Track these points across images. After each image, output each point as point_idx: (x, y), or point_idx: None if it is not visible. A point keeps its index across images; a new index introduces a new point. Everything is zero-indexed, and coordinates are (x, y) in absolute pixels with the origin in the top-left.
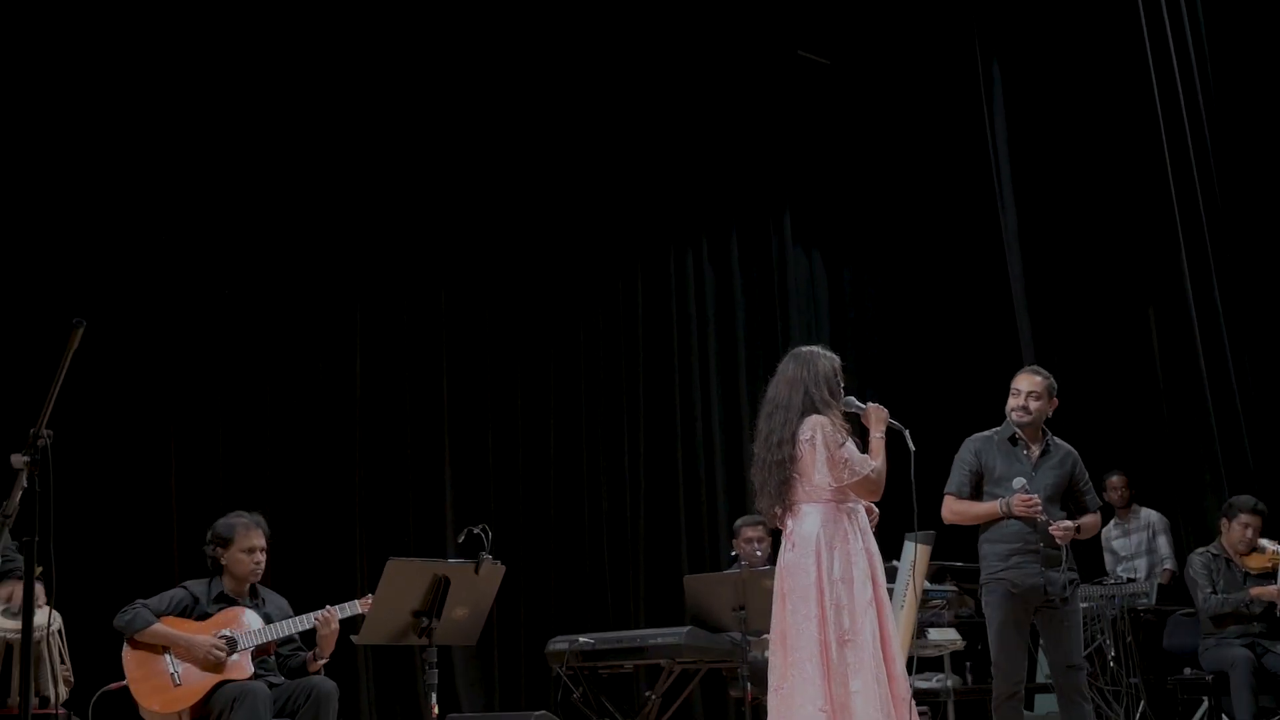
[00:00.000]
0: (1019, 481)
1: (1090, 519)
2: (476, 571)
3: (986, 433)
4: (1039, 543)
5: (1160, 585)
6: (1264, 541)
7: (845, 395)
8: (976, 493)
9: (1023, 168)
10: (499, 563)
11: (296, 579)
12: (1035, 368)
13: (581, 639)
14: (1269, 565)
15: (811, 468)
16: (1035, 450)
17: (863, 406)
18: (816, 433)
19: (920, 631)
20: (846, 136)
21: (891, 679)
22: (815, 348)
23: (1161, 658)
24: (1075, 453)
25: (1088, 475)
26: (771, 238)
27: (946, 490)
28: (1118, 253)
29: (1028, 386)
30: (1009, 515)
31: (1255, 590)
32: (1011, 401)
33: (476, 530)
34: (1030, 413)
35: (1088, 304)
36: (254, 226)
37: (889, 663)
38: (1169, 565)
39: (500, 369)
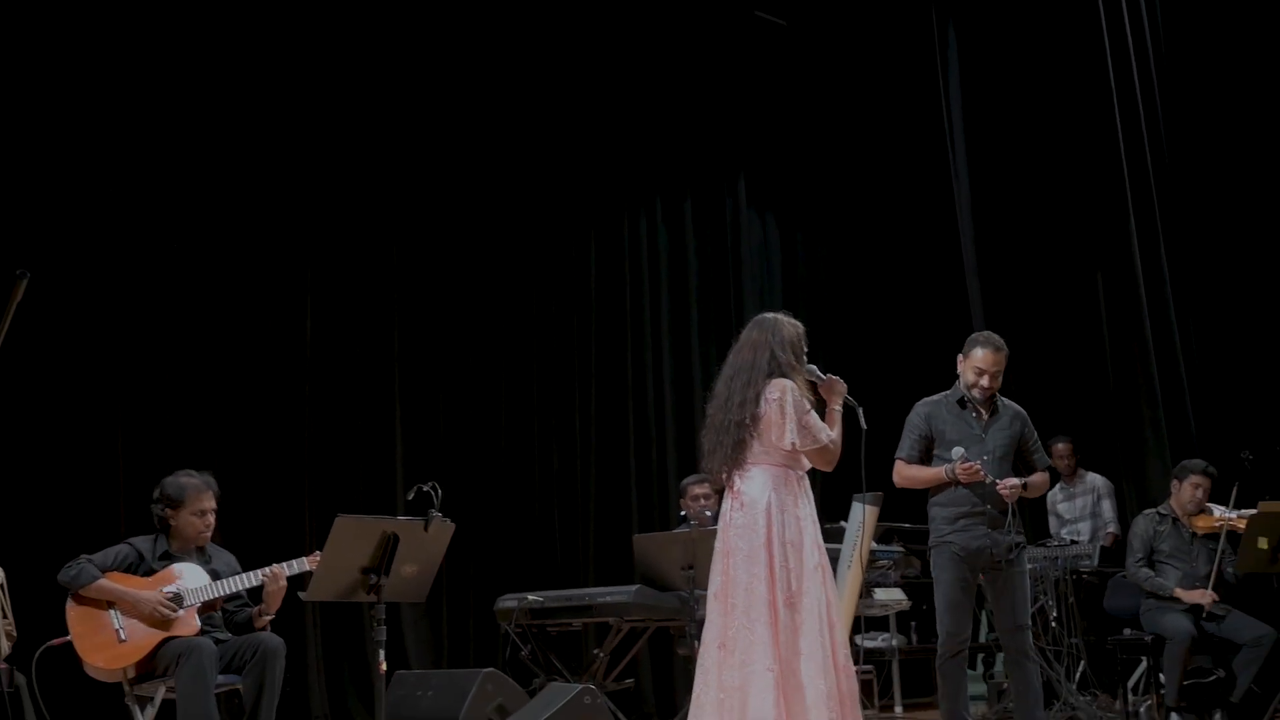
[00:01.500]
0: (958, 451)
1: (1039, 477)
2: (426, 529)
3: (936, 396)
4: (986, 506)
5: (1103, 548)
6: (1212, 505)
7: (808, 363)
8: (926, 457)
9: (976, 133)
10: (448, 520)
11: (245, 536)
12: (997, 341)
13: (530, 597)
14: (1216, 527)
15: (774, 428)
16: (984, 412)
17: (823, 377)
18: (786, 394)
19: (867, 591)
20: (802, 99)
21: (833, 645)
22: (780, 315)
23: (1102, 619)
24: (1024, 413)
25: (1036, 435)
26: (726, 200)
27: (897, 455)
28: (1068, 218)
29: (993, 366)
30: (954, 482)
31: (1179, 592)
32: (970, 377)
33: (426, 488)
34: (989, 390)
35: (1037, 269)
36: (203, 182)
37: (830, 629)
38: (1112, 529)
39: (452, 328)
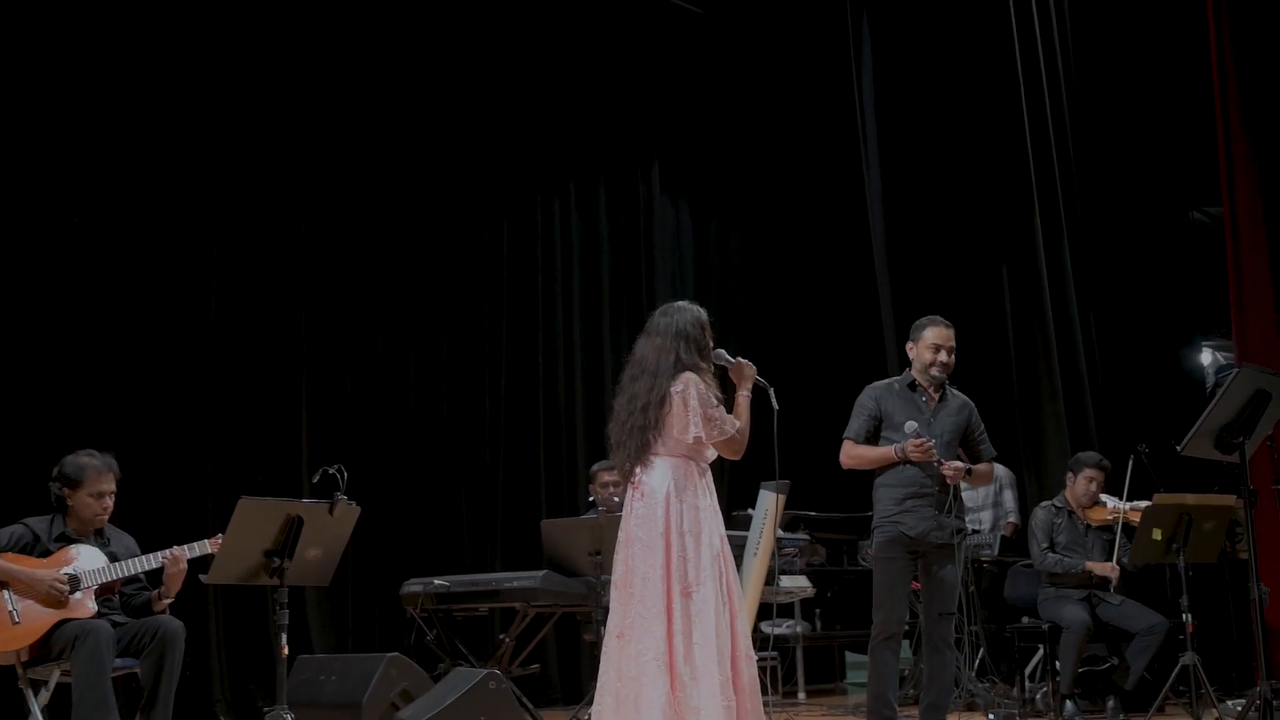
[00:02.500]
0: (910, 425)
1: (984, 467)
2: (331, 512)
3: (886, 381)
4: (934, 488)
5: (1003, 537)
6: (1105, 497)
7: (715, 348)
8: (874, 437)
9: (888, 124)
10: (354, 504)
11: (145, 517)
12: (944, 320)
13: (436, 581)
14: (1110, 519)
15: (678, 422)
16: (934, 397)
17: (732, 360)
18: (690, 388)
19: (773, 579)
20: (717, 87)
21: (734, 635)
22: (683, 303)
23: (1002, 607)
24: (972, 404)
25: (983, 427)
26: (640, 186)
27: (846, 434)
28: (975, 211)
29: (948, 341)
30: (904, 460)
31: (1090, 565)
32: (927, 356)
33: (332, 470)
34: (948, 366)
35: (945, 261)
36: (108, 154)
37: (732, 618)
38: (1013, 519)
39: (360, 308)
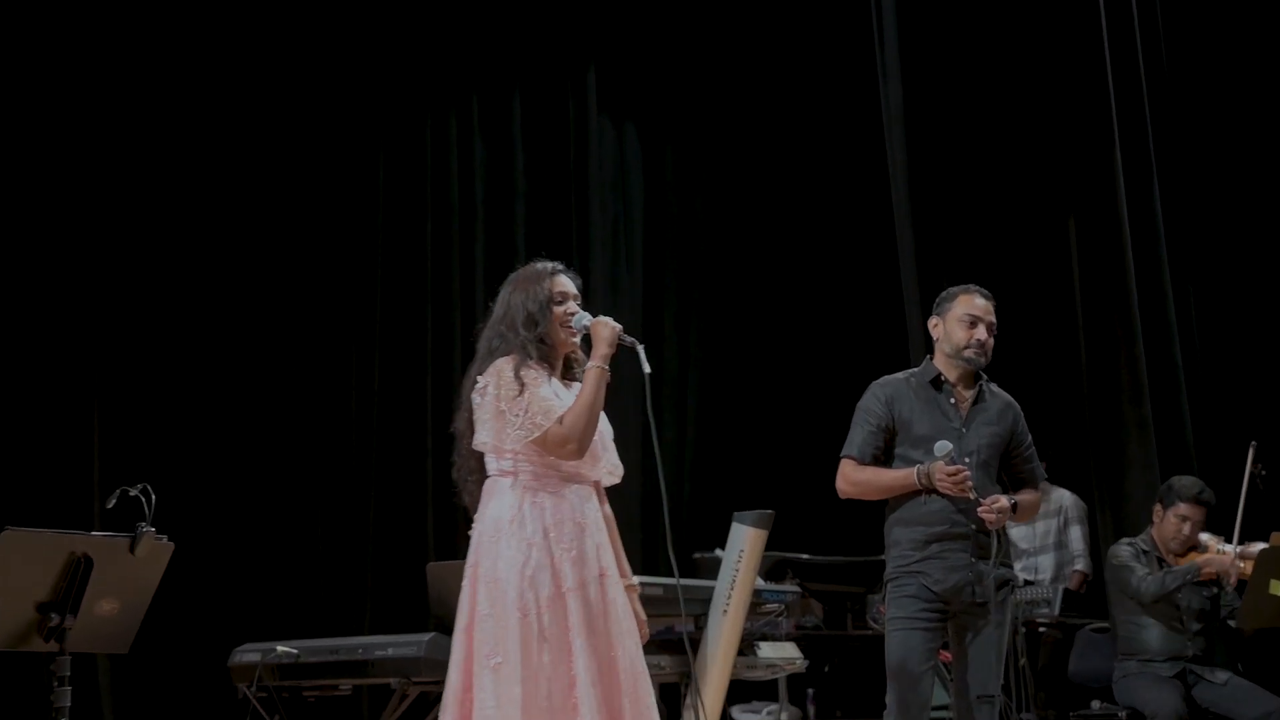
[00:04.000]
0: (943, 446)
1: (1030, 497)
2: (132, 550)
3: (900, 375)
4: (969, 526)
5: (1067, 591)
6: (1206, 538)
7: (576, 312)
8: (885, 455)
9: (912, 24)
10: (165, 538)
11: None
12: (980, 288)
13: (280, 648)
14: (1214, 572)
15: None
16: (966, 398)
17: (590, 320)
18: (490, 381)
19: (748, 646)
20: None
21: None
22: (531, 265)
23: (1065, 688)
24: (1017, 406)
25: (1030, 437)
26: (569, 101)
27: (845, 453)
28: (1030, 144)
29: (988, 314)
30: (929, 489)
31: (1203, 559)
32: (960, 333)
33: (133, 492)
34: (987, 347)
35: (986, 208)
36: None
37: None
38: (1081, 565)
39: (175, 275)
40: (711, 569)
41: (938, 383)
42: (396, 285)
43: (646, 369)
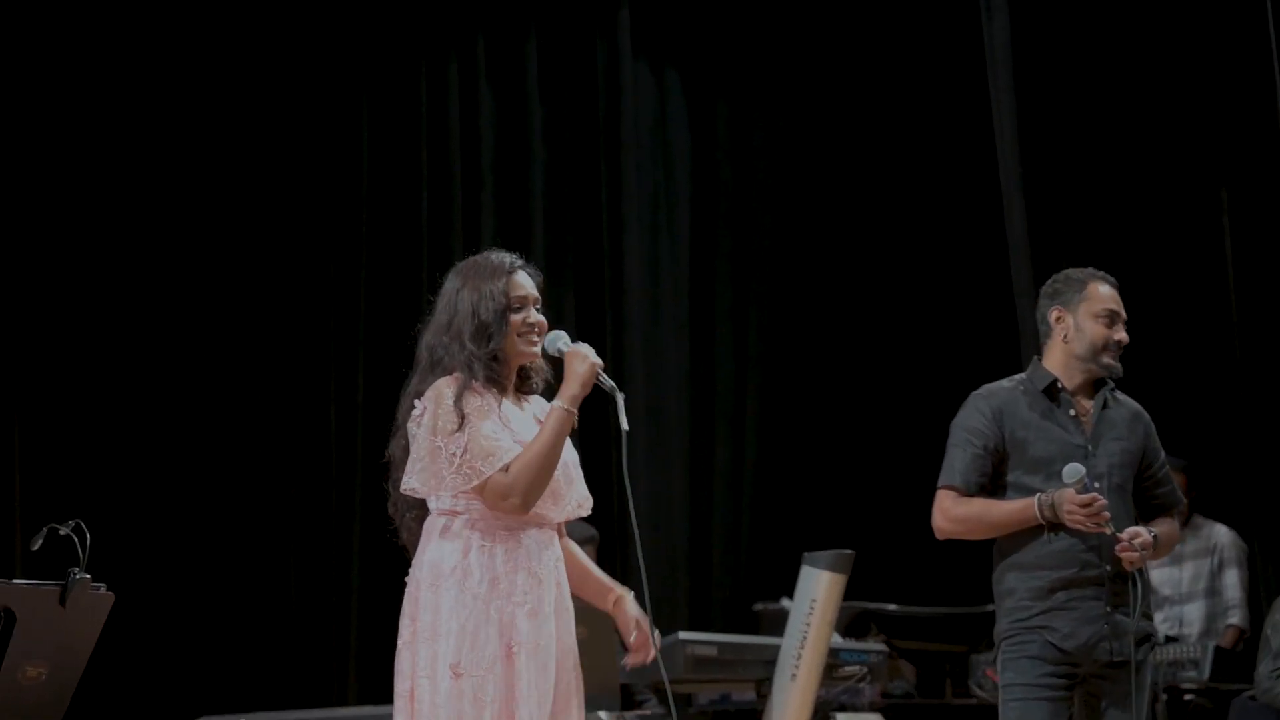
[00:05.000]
0: (1074, 470)
1: (1169, 527)
2: (62, 601)
3: (1006, 383)
4: (1104, 568)
5: (1218, 649)
6: None
7: (551, 330)
8: (994, 484)
9: None
10: (103, 587)
11: None
12: (1107, 274)
13: None
14: None
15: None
16: (1089, 409)
17: (566, 348)
18: (428, 408)
19: (824, 719)
20: None
21: None
22: (483, 255)
23: None
24: (1146, 414)
25: (1164, 453)
26: (597, 44)
27: (943, 482)
28: (1169, 93)
29: (1122, 308)
30: (1053, 524)
31: None
32: (1098, 331)
33: (64, 530)
34: (1121, 349)
35: (1115, 176)
36: None
37: None
38: (1236, 620)
39: (108, 249)
40: (777, 623)
41: (1053, 391)
42: (384, 272)
43: (624, 426)
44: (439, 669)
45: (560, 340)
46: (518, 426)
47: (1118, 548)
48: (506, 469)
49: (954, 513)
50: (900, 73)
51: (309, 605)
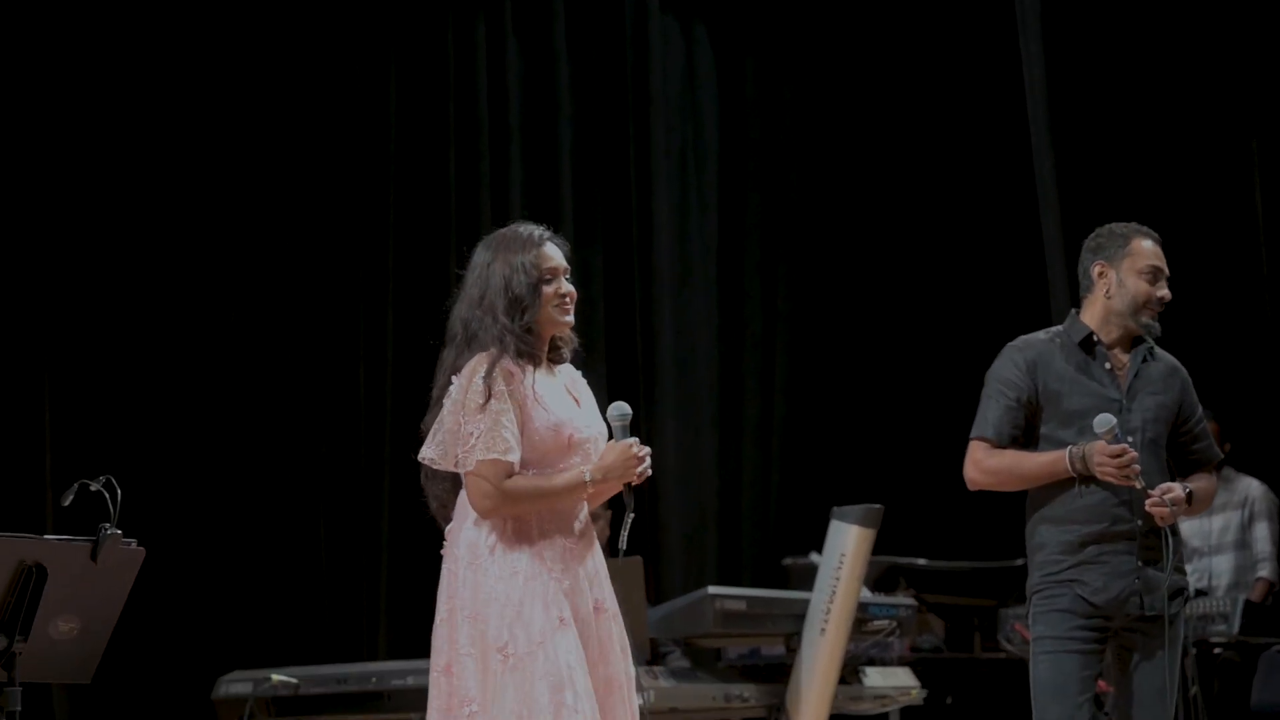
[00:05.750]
0: (1105, 420)
1: (1206, 483)
2: (94, 557)
3: (1042, 335)
4: (1135, 522)
5: (1248, 603)
6: None
7: (568, 292)
8: (1028, 436)
9: None
10: (134, 542)
11: None
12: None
13: (276, 677)
14: None
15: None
16: (1125, 363)
17: (616, 422)
18: (460, 383)
19: (852, 674)
20: None
21: None
22: (512, 228)
23: (1246, 717)
24: (1183, 369)
25: (1201, 407)
26: (624, 0)
27: (975, 433)
28: (1198, 44)
29: (1164, 263)
30: (1085, 477)
31: None
32: (1141, 287)
33: (95, 486)
34: (1163, 305)
35: (1144, 128)
36: None
37: None
38: (1266, 572)
39: (135, 211)
40: (806, 578)
41: (1089, 344)
42: (412, 229)
43: (622, 545)
44: (488, 651)
45: (620, 413)
46: (548, 397)
47: (1148, 503)
48: (508, 472)
49: (986, 464)
50: (929, 25)
51: (339, 561)
